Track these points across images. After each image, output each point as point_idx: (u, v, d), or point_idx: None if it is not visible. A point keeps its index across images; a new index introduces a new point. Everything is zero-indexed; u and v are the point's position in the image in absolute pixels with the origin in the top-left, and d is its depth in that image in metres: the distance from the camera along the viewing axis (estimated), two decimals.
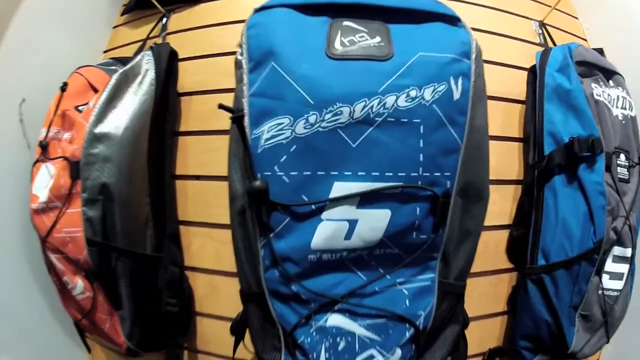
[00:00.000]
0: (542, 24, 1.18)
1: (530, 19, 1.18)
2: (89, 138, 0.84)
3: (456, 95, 0.60)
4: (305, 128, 0.58)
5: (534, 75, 1.01)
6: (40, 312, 1.06)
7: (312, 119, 0.58)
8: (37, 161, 0.97)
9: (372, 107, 0.58)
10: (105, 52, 1.22)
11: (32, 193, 0.94)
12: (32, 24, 1.04)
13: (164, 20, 1.14)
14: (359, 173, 0.58)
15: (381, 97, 0.58)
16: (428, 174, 0.60)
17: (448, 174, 0.61)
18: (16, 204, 0.99)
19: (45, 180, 0.93)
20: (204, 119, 1.00)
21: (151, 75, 0.92)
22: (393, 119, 0.58)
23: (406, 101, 0.58)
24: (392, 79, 0.58)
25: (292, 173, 0.58)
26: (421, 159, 0.59)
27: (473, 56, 0.62)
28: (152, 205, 0.91)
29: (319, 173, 0.58)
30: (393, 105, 0.58)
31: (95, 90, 1.00)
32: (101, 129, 0.84)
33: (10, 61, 1.00)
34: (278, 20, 0.62)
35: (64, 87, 0.99)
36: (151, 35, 1.14)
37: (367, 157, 0.58)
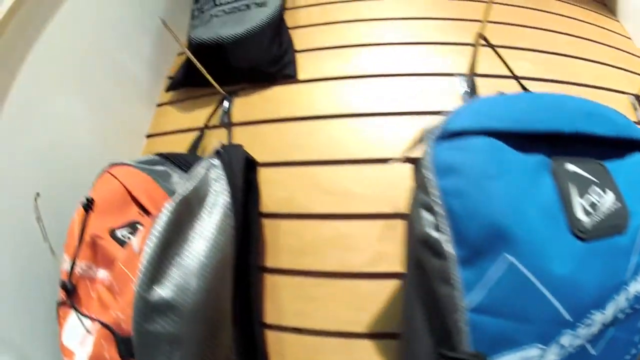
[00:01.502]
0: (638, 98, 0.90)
1: (624, 92, 0.89)
2: (141, 308, 0.49)
3: None
4: (557, 355, 0.34)
5: None
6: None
7: (566, 340, 0.34)
8: (62, 303, 0.62)
9: (619, 305, 0.36)
10: (148, 136, 0.89)
11: (63, 343, 0.59)
12: (40, 87, 0.69)
13: (225, 104, 0.82)
14: None
15: (626, 288, 0.36)
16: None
17: None
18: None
19: (80, 335, 0.57)
20: (300, 254, 0.67)
21: (224, 200, 0.58)
22: (631, 311, 0.37)
23: None
24: (633, 257, 0.36)
25: None
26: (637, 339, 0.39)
27: None
28: None
29: None
30: (634, 294, 0.37)
31: (138, 204, 0.67)
32: (159, 293, 0.50)
33: (11, 140, 0.64)
34: (484, 160, 0.36)
35: (88, 206, 0.63)
36: (209, 123, 0.82)
37: None
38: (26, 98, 0.65)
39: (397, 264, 0.65)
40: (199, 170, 0.61)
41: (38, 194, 0.67)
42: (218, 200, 0.59)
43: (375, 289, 0.64)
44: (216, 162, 0.63)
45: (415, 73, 0.81)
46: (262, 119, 0.79)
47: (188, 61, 0.80)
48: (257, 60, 0.82)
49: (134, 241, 0.57)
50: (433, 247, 0.35)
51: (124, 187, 0.66)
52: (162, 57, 0.98)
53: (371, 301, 0.63)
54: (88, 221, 0.63)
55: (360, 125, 0.76)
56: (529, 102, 0.42)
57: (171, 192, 0.70)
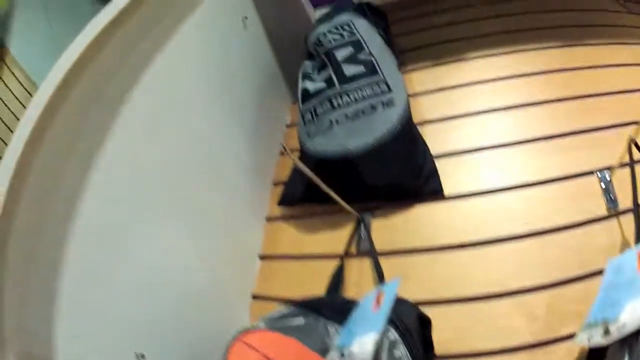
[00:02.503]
0: None
1: None
2: None
3: None
4: None
5: None
6: None
7: None
8: None
9: None
10: (262, 257, 0.78)
11: None
12: (136, 218, 0.57)
13: (362, 227, 0.71)
14: None
15: None
16: None
17: None
18: None
19: None
20: None
21: None
22: None
23: None
24: None
25: None
26: None
27: None
28: None
29: None
30: None
31: None
32: None
33: (107, 286, 0.52)
34: None
35: None
36: (349, 250, 0.70)
37: None
38: (121, 234, 0.54)
39: None
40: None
41: (143, 356, 0.57)
42: None
43: None
44: (395, 335, 0.53)
45: (561, 177, 0.72)
46: (410, 247, 0.68)
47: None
48: (396, 174, 0.71)
49: None
50: None
51: (268, 359, 0.56)
52: (264, 160, 0.88)
53: None
54: None
55: (516, 251, 0.67)
56: None
57: (322, 350, 0.61)
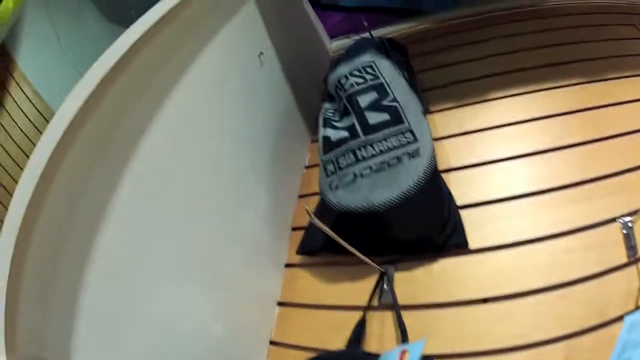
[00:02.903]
0: None
1: None
2: None
3: None
4: None
5: None
6: None
7: None
8: None
9: None
10: (279, 304, 0.78)
11: None
12: (149, 275, 0.56)
13: (384, 280, 0.70)
14: None
15: None
16: None
17: None
18: None
19: None
20: None
21: None
22: None
23: None
24: None
25: None
26: None
27: None
28: None
29: None
30: None
31: None
32: None
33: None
34: None
35: None
36: (371, 303, 0.70)
37: None
38: (136, 282, 0.54)
39: None
40: None
41: None
42: None
43: None
44: None
45: (583, 227, 0.71)
46: (433, 301, 0.67)
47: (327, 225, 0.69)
48: (421, 227, 0.71)
49: None
50: None
51: None
52: (283, 204, 0.87)
53: None
54: None
55: (537, 304, 0.67)
56: None
57: None
